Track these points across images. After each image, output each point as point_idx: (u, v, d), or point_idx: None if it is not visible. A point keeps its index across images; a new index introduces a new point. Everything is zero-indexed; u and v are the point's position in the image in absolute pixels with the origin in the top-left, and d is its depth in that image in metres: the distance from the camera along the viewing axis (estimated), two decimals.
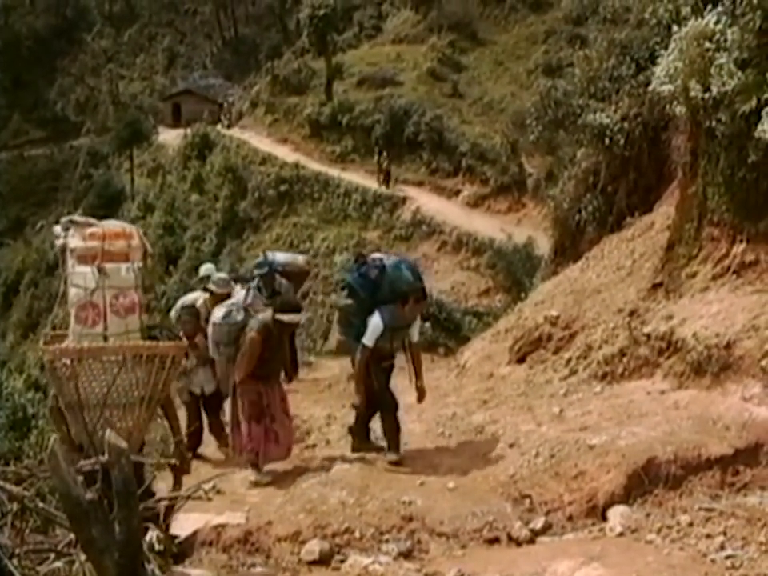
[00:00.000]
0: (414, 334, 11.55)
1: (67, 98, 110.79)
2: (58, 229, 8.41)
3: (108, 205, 64.74)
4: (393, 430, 11.28)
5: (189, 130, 69.78)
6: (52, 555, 4.92)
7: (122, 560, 2.75)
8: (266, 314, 11.27)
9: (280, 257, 16.26)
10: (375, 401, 11.40)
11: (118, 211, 61.84)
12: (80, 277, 8.03)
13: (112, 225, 8.49)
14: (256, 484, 11.05)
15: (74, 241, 8.15)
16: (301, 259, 17.19)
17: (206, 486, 10.54)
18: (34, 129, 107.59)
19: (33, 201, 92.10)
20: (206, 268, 15.20)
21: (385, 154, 52.78)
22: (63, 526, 5.05)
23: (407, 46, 72.23)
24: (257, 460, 11.28)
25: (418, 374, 11.58)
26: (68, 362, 7.73)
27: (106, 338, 7.99)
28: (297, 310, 11.56)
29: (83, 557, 2.88)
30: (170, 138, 76.06)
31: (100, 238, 8.11)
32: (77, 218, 8.46)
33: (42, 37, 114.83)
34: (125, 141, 75.49)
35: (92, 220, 8.49)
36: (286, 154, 60.02)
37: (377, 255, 12.00)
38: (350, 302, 11.59)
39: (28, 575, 4.96)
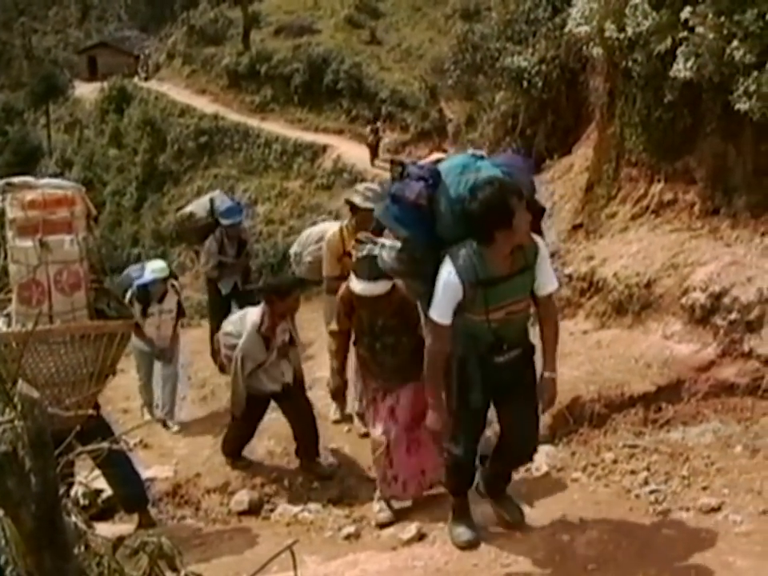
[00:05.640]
0: (546, 281, 6.57)
1: None
2: None
3: (25, 162, 63.55)
4: (457, 503, 7.23)
5: (105, 84, 68.47)
6: None
7: (38, 512, 2.72)
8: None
9: (220, 202, 14.02)
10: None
11: (36, 168, 60.69)
12: (21, 252, 7.47)
13: (53, 187, 7.88)
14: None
15: (13, 210, 7.54)
16: (222, 196, 14.86)
17: (133, 441, 10.59)
18: None
19: None
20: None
21: (379, 124, 48.67)
22: None
23: None
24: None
25: (547, 355, 6.73)
26: (13, 345, 7.28)
27: (51, 318, 7.50)
28: None
29: (1, 512, 2.86)
30: (86, 91, 74.69)
31: (40, 207, 7.53)
32: (14, 179, 7.82)
33: None
34: (40, 96, 74.10)
35: (30, 180, 7.91)
36: (204, 105, 59.36)
37: (432, 157, 7.88)
38: (391, 255, 6.65)
39: None
